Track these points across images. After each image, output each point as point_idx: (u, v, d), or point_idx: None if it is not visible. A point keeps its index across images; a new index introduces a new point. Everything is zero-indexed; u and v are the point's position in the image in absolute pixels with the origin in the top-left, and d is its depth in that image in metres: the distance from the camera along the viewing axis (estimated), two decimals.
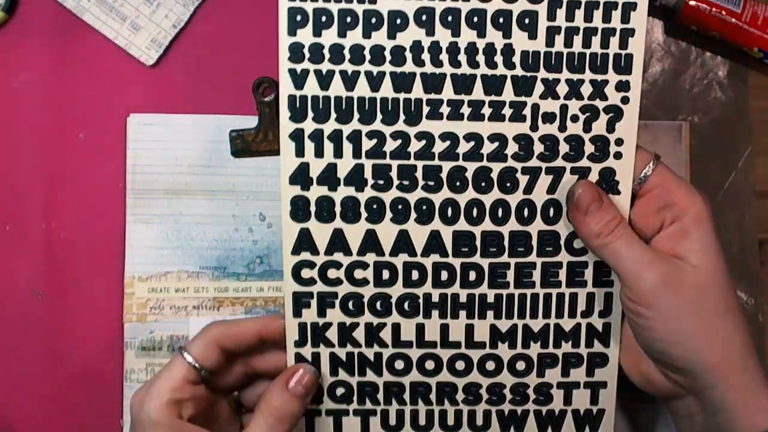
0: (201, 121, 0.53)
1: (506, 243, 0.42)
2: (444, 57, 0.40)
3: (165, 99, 0.53)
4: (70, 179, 0.53)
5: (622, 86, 0.41)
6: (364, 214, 0.41)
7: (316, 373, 0.42)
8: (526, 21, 0.39)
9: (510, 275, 0.42)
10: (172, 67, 0.54)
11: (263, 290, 0.51)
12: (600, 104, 0.41)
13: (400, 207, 0.41)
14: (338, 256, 0.42)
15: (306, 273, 0.42)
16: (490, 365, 0.43)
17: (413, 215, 0.41)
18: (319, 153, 0.41)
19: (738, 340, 0.39)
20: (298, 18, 0.39)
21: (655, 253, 0.40)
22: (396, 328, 0.42)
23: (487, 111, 0.40)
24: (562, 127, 0.41)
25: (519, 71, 0.40)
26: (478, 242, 0.42)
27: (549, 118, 0.41)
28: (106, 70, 0.54)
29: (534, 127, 0.41)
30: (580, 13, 0.40)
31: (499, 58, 0.40)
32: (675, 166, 0.53)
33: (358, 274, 0.42)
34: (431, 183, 0.41)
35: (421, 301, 0.42)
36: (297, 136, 0.41)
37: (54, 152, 0.53)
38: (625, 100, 0.41)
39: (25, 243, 0.53)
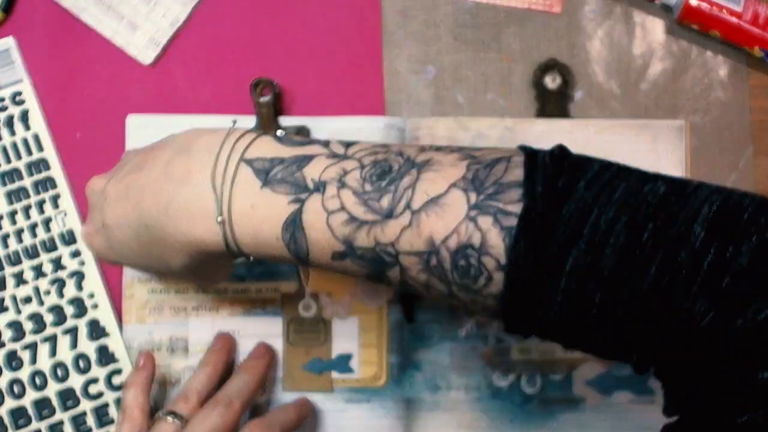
0: (199, 121, 0.52)
1: None
2: None
3: (163, 99, 0.53)
4: (70, 179, 0.52)
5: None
6: None
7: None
8: None
9: None
10: (170, 67, 0.54)
11: (262, 291, 0.51)
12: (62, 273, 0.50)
13: None
14: None
15: None
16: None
17: None
18: None
19: None
20: None
21: None
22: None
23: None
24: (40, 303, 0.50)
25: None
26: None
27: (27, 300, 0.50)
28: (104, 70, 0.53)
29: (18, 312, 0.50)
30: None
31: None
32: (675, 166, 0.53)
33: None
34: None
35: None
36: None
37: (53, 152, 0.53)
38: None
39: None
